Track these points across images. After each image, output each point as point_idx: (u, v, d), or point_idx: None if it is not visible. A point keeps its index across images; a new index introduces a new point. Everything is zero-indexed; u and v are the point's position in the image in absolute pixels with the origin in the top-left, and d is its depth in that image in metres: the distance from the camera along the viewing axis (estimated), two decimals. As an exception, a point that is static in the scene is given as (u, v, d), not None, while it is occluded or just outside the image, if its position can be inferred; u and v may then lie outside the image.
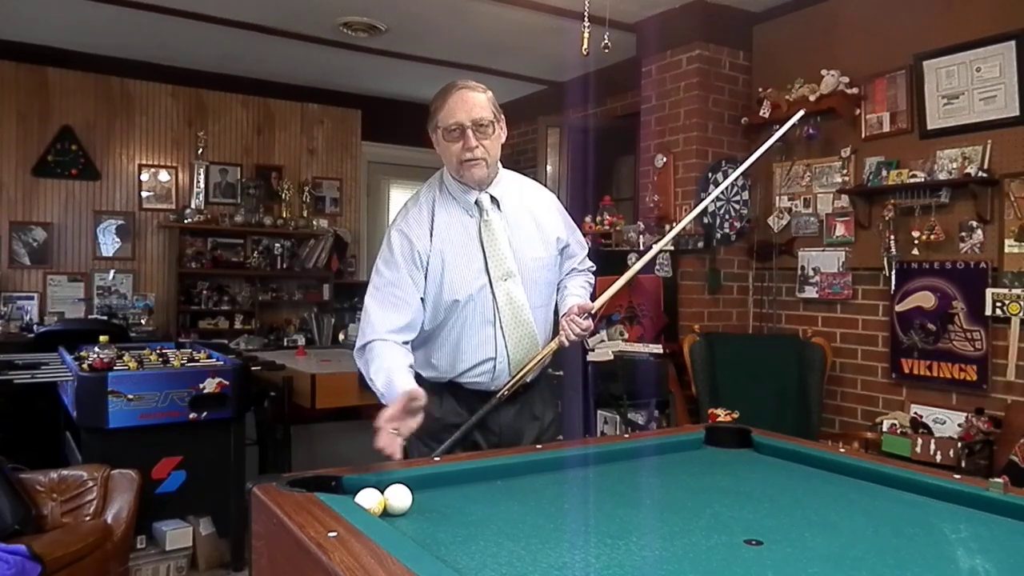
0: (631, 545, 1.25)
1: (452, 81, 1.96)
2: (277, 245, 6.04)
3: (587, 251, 2.27)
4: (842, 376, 4.03)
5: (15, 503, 2.70)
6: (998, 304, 3.33)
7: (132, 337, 4.81)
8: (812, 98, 3.95)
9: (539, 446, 1.87)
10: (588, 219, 4.59)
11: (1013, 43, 3.27)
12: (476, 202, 1.99)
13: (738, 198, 4.40)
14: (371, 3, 4.46)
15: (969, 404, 3.43)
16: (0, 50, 5.19)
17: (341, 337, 5.86)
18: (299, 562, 1.16)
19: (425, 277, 1.95)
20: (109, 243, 5.63)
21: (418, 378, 2.07)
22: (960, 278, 3.47)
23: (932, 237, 3.52)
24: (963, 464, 3.18)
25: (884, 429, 3.58)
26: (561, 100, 5.90)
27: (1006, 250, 3.34)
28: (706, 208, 4.29)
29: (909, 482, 1.61)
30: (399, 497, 1.37)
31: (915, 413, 3.60)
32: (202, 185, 5.82)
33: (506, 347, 1.99)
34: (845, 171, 3.98)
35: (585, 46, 3.16)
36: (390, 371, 1.81)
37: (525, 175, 2.27)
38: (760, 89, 4.35)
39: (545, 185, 2.29)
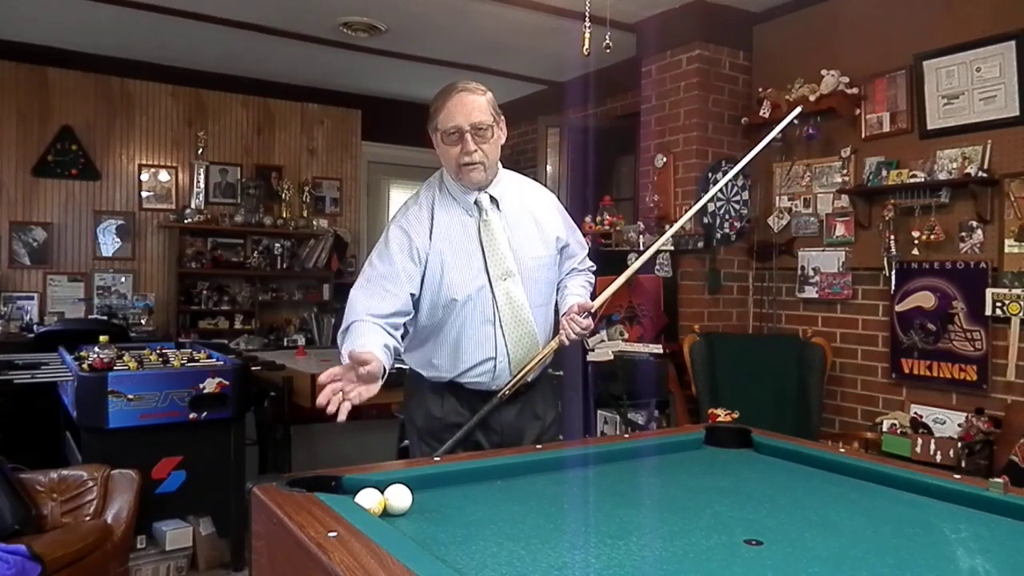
0: (631, 545, 1.25)
1: (452, 83, 1.96)
2: (277, 245, 6.04)
3: (587, 251, 2.28)
4: (842, 376, 4.03)
5: (15, 503, 2.70)
6: (998, 304, 3.33)
7: (132, 337, 4.81)
8: (812, 98, 3.95)
9: (539, 446, 1.87)
10: (588, 219, 4.59)
11: (1013, 43, 3.27)
12: (475, 202, 1.99)
13: (738, 198, 4.40)
14: (371, 3, 4.46)
15: (969, 404, 3.43)
16: (0, 50, 5.19)
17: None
18: (299, 562, 1.16)
19: (423, 275, 1.95)
20: (109, 243, 5.63)
21: (419, 378, 2.08)
22: (960, 278, 3.47)
23: (932, 237, 3.52)
24: (963, 464, 3.18)
25: (884, 429, 3.58)
26: (561, 100, 5.90)
27: (1006, 250, 3.34)
28: (706, 208, 4.30)
29: (909, 482, 1.61)
30: (399, 497, 1.37)
31: (915, 413, 3.60)
32: (202, 185, 5.82)
33: (506, 346, 1.99)
34: (845, 171, 3.98)
35: (586, 46, 3.16)
36: (355, 342, 1.78)
37: (525, 175, 2.27)
38: (760, 89, 4.35)
39: (545, 185, 2.30)
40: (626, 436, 2.12)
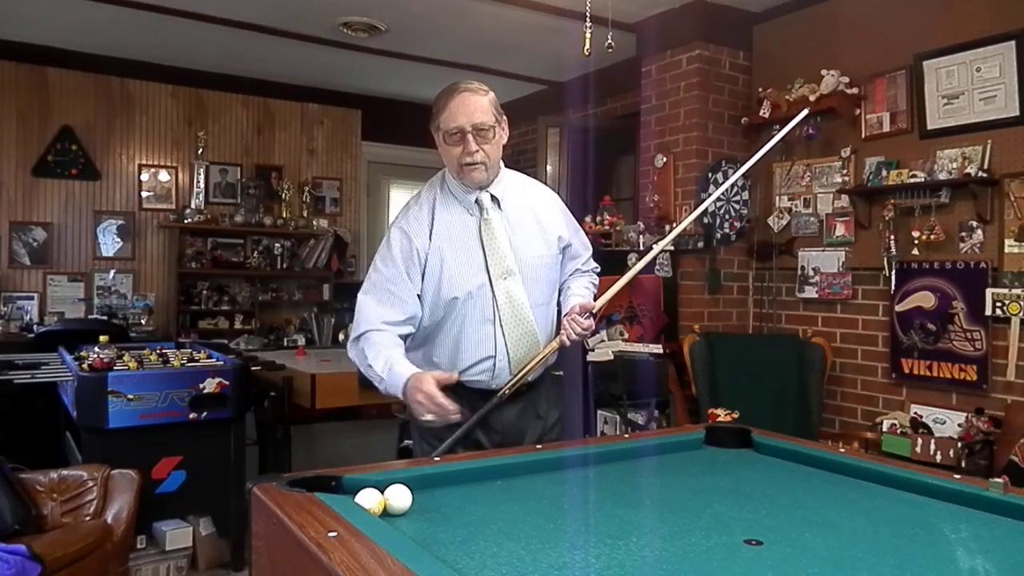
0: (631, 545, 1.25)
1: (454, 82, 1.96)
2: (277, 245, 6.04)
3: (591, 252, 2.28)
4: (842, 376, 4.03)
5: (15, 503, 2.70)
6: (998, 304, 3.33)
7: (132, 337, 4.81)
8: (812, 98, 3.95)
9: (539, 446, 1.87)
10: (588, 219, 4.59)
11: (1013, 43, 3.27)
12: (476, 201, 2.00)
13: (738, 198, 4.40)
14: (371, 3, 4.46)
15: (969, 404, 3.43)
16: (0, 50, 5.19)
17: (341, 337, 5.86)
18: (299, 562, 1.16)
19: (423, 274, 1.97)
20: (109, 243, 5.63)
21: None
22: (960, 278, 3.47)
23: (932, 237, 3.52)
24: (963, 464, 3.18)
25: (884, 429, 3.58)
26: (561, 100, 5.90)
27: (1006, 250, 3.34)
28: (706, 208, 4.30)
29: (909, 482, 1.61)
30: (399, 497, 1.37)
31: (915, 413, 3.60)
32: (202, 185, 5.82)
33: (506, 345, 1.99)
34: (845, 171, 3.98)
35: (586, 46, 3.16)
36: (389, 357, 1.87)
37: (526, 175, 2.27)
38: (760, 89, 4.35)
39: (545, 185, 2.30)
40: (626, 436, 2.12)
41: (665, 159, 4.46)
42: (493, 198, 2.02)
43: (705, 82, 4.35)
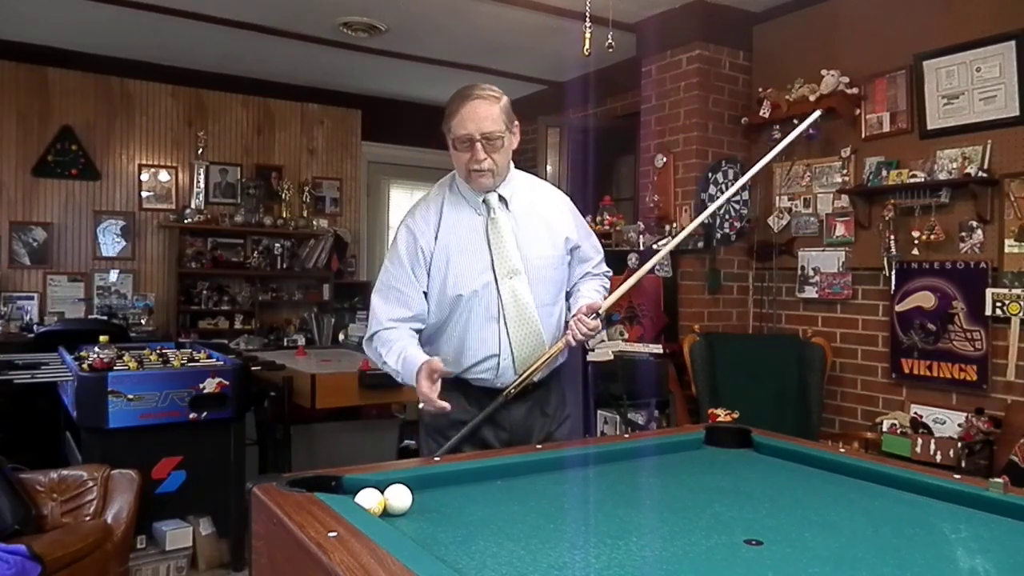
0: (631, 545, 1.25)
1: (468, 86, 1.98)
2: (277, 245, 6.04)
3: (603, 256, 2.28)
4: (842, 376, 4.03)
5: (15, 503, 2.70)
6: (998, 304, 3.33)
7: (132, 337, 4.81)
8: (812, 98, 3.95)
9: (539, 446, 1.87)
10: (588, 219, 4.58)
11: (1013, 43, 3.27)
12: (484, 201, 2.02)
13: (738, 198, 4.40)
14: (371, 3, 4.46)
15: (969, 404, 3.43)
16: (0, 50, 5.19)
17: (341, 337, 5.86)
18: (299, 562, 1.16)
19: (429, 272, 2.01)
20: (109, 243, 5.63)
21: None
22: (960, 278, 3.47)
23: (932, 237, 3.52)
24: (963, 464, 3.19)
25: (884, 429, 3.58)
26: (561, 100, 5.90)
27: (1006, 250, 3.34)
28: (706, 208, 4.30)
29: (909, 482, 1.61)
30: (399, 497, 1.37)
31: (915, 413, 3.60)
32: (202, 185, 5.82)
33: (510, 344, 2.00)
34: (845, 171, 3.98)
35: (586, 46, 3.16)
36: (403, 350, 1.94)
37: (535, 176, 2.28)
38: (760, 89, 4.35)
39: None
40: (626, 436, 2.12)
41: (665, 159, 4.46)
42: (501, 198, 2.04)
43: (705, 82, 4.35)
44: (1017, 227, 3.30)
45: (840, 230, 4.02)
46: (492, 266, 1.99)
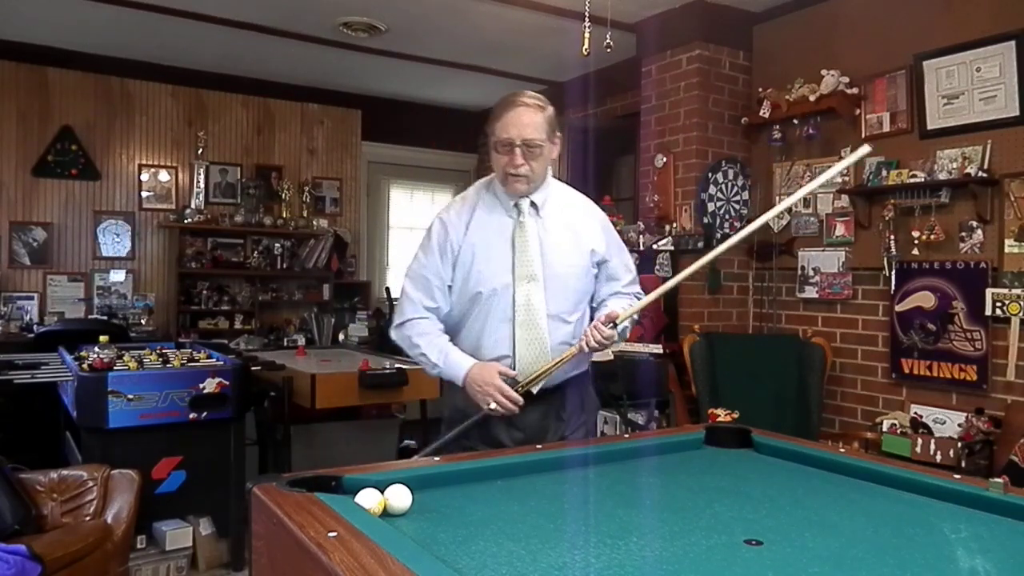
0: (631, 545, 1.25)
1: (516, 93, 2.05)
2: (277, 245, 6.04)
3: (635, 276, 2.27)
4: (842, 376, 4.03)
5: (15, 503, 2.69)
6: (998, 304, 3.33)
7: (132, 337, 4.81)
8: (812, 98, 3.95)
9: (539, 446, 1.87)
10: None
11: (1013, 43, 3.27)
12: (516, 205, 2.08)
13: (738, 198, 4.40)
14: (371, 3, 4.46)
15: (969, 404, 3.43)
16: (0, 50, 5.19)
17: (341, 337, 5.87)
18: (299, 562, 1.16)
19: (454, 266, 2.08)
20: (109, 243, 5.63)
21: None
22: (960, 278, 3.47)
23: (932, 237, 3.52)
24: (963, 464, 3.19)
25: (884, 429, 3.58)
26: (561, 100, 5.89)
27: (1006, 250, 3.34)
28: (706, 208, 4.31)
29: (909, 482, 1.61)
30: (399, 497, 1.37)
31: (915, 413, 3.60)
32: (202, 185, 5.82)
33: (515, 347, 2.04)
34: (845, 171, 3.98)
35: (586, 46, 3.16)
36: (443, 347, 2.05)
37: (575, 189, 2.31)
38: (760, 89, 4.36)
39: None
40: (626, 436, 2.12)
41: (665, 159, 4.46)
42: (532, 204, 2.09)
43: (705, 82, 4.35)
44: (1017, 227, 3.30)
45: (840, 230, 4.02)
46: (513, 268, 2.04)
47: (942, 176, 3.49)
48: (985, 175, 3.34)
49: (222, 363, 3.54)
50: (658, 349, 4.09)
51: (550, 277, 2.05)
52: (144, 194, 5.75)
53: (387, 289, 6.44)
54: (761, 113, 4.22)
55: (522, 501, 1.50)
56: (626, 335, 2.17)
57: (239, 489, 3.29)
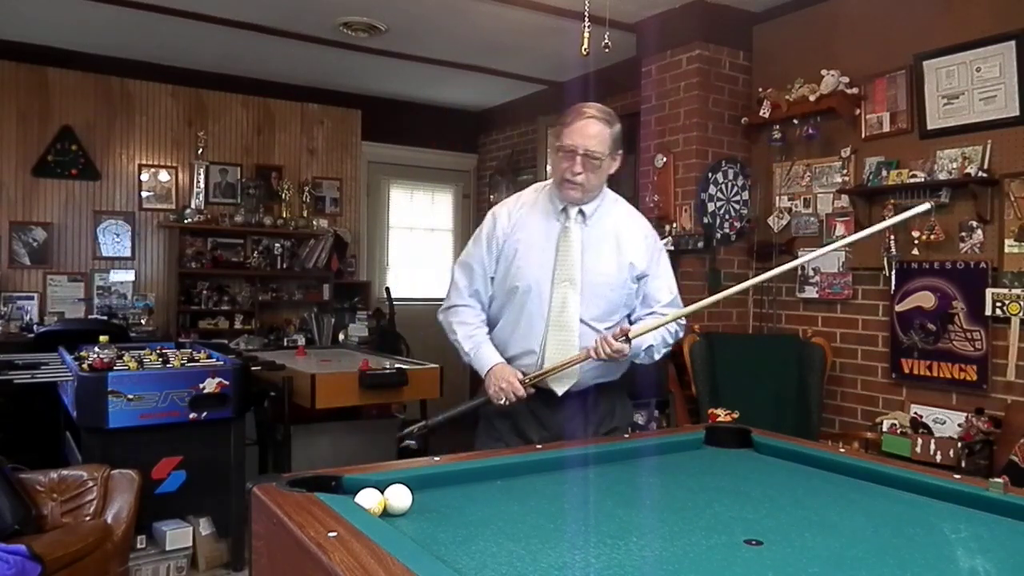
0: (631, 545, 1.25)
1: (588, 104, 2.13)
2: (277, 245, 6.04)
3: (676, 298, 2.27)
4: (842, 376, 4.03)
5: (15, 503, 2.70)
6: (998, 304, 3.33)
7: (132, 337, 4.80)
8: (812, 98, 3.95)
9: (539, 446, 1.88)
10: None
11: (1013, 43, 3.27)
12: (564, 210, 2.16)
13: (738, 198, 4.40)
14: (371, 3, 4.46)
15: (969, 404, 3.43)
16: (0, 50, 5.19)
17: (341, 337, 5.86)
18: (299, 562, 1.16)
19: (498, 258, 2.19)
20: (109, 243, 5.63)
21: None
22: (960, 278, 3.47)
23: (932, 237, 3.52)
24: (963, 464, 3.19)
25: (884, 429, 3.58)
26: (561, 100, 5.89)
27: (1006, 250, 3.34)
28: (706, 208, 4.30)
29: (909, 482, 1.61)
30: (399, 497, 1.37)
31: (915, 413, 3.60)
32: (202, 185, 5.81)
33: (545, 345, 2.11)
34: (845, 171, 3.98)
35: (585, 46, 3.16)
36: (477, 342, 2.18)
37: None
38: (760, 89, 4.35)
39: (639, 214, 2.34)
40: (626, 436, 2.12)
41: (665, 159, 4.46)
42: (581, 212, 2.16)
43: (705, 82, 4.35)
44: (1017, 227, 3.30)
45: (840, 230, 4.02)
46: (553, 270, 2.12)
47: (942, 176, 3.49)
48: (985, 175, 3.34)
49: (222, 363, 3.54)
50: (658, 349, 4.08)
51: (587, 284, 2.11)
52: (144, 194, 5.75)
53: (387, 289, 6.45)
54: (761, 113, 4.22)
55: (522, 501, 1.50)
56: (653, 354, 2.20)
57: (239, 489, 3.30)
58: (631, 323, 2.21)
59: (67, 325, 4.83)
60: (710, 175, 4.32)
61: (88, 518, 2.86)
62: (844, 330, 4.02)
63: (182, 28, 4.82)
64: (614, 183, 2.31)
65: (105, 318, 5.30)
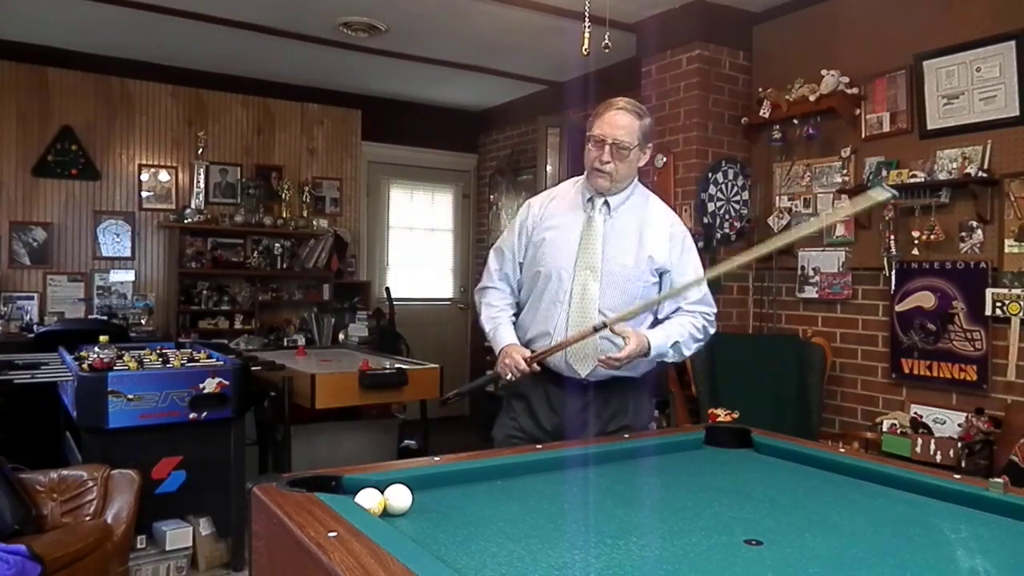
0: (631, 545, 1.25)
1: (620, 98, 2.22)
2: (277, 245, 6.04)
3: (705, 296, 2.31)
4: (842, 376, 4.03)
5: (15, 503, 2.70)
6: (998, 304, 3.33)
7: (132, 337, 4.80)
8: (812, 98, 3.95)
9: (539, 446, 1.88)
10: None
11: (1013, 43, 3.27)
12: (590, 200, 2.25)
13: (738, 198, 4.40)
14: (371, 3, 4.46)
15: (969, 404, 3.43)
16: (0, 50, 5.19)
17: (341, 337, 5.86)
18: (299, 562, 1.16)
19: (527, 246, 2.31)
20: (109, 243, 5.63)
21: None
22: (960, 278, 3.47)
23: (932, 237, 3.52)
24: (963, 464, 3.19)
25: (884, 429, 3.58)
26: (561, 100, 5.90)
27: (1006, 250, 3.34)
28: (706, 208, 4.31)
29: (909, 482, 1.61)
30: (399, 497, 1.37)
31: (915, 413, 3.60)
32: (202, 185, 5.81)
33: (563, 328, 2.18)
34: (845, 171, 3.98)
35: (585, 46, 3.16)
36: (498, 323, 2.30)
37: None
38: (760, 89, 4.36)
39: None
40: (626, 436, 2.12)
41: (665, 159, 4.46)
42: (606, 203, 2.24)
43: (705, 82, 4.35)
44: (1017, 227, 3.30)
45: (840, 230, 4.02)
46: (575, 258, 2.21)
47: (942, 176, 3.49)
48: (985, 175, 3.34)
49: (222, 363, 3.54)
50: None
51: (606, 273, 2.19)
52: (144, 194, 5.75)
53: (387, 289, 6.45)
54: (761, 113, 4.22)
55: (522, 501, 1.50)
56: (682, 350, 2.23)
57: (239, 489, 3.30)
58: (658, 321, 2.27)
59: (67, 325, 4.83)
60: (710, 175, 4.32)
61: (88, 518, 2.86)
62: (844, 330, 4.02)
63: (182, 28, 4.82)
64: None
65: (105, 318, 5.30)
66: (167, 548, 3.20)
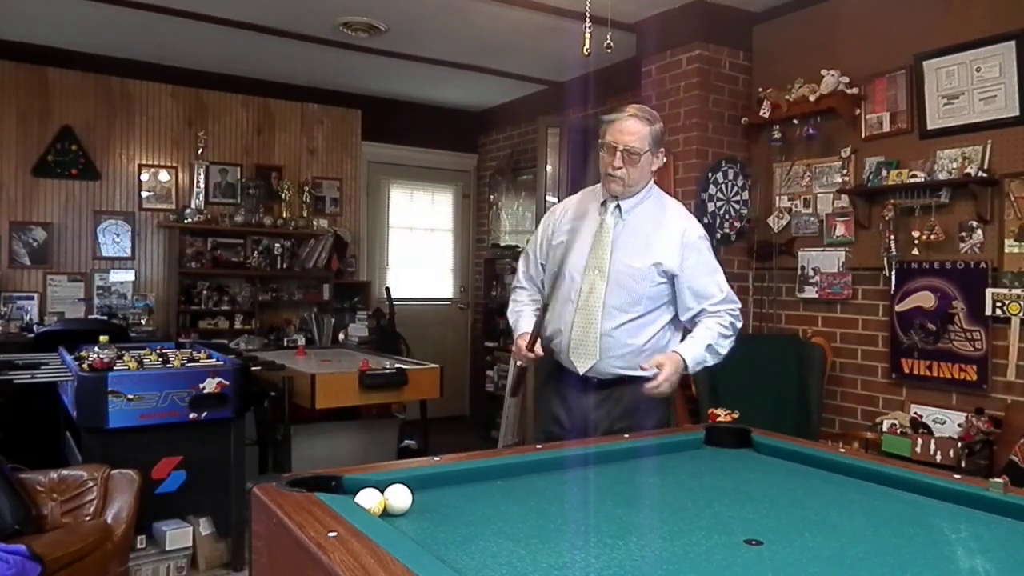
0: (631, 545, 1.25)
1: (631, 104, 2.34)
2: (277, 245, 6.03)
3: (726, 296, 2.36)
4: (842, 376, 4.03)
5: (15, 503, 2.70)
6: (998, 304, 3.33)
7: (132, 337, 4.80)
8: (812, 98, 3.95)
9: (539, 446, 1.88)
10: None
11: (1013, 43, 3.27)
12: (604, 204, 2.35)
13: (738, 198, 4.40)
14: (371, 3, 4.46)
15: (969, 404, 3.43)
16: (0, 50, 5.19)
17: (341, 337, 5.87)
18: (299, 562, 1.16)
19: (548, 249, 2.45)
20: (109, 243, 5.63)
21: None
22: (960, 278, 3.47)
23: (932, 237, 3.52)
24: (963, 464, 3.19)
25: (884, 429, 3.58)
26: (561, 100, 5.89)
27: (1006, 250, 3.34)
28: (706, 208, 4.31)
29: (909, 482, 1.61)
30: (399, 497, 1.37)
31: (915, 413, 3.60)
32: (202, 185, 5.81)
33: (570, 326, 2.29)
34: (845, 171, 3.98)
35: (586, 46, 3.15)
36: (519, 315, 2.48)
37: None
38: (760, 89, 4.35)
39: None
40: (626, 436, 2.12)
41: (665, 159, 4.45)
42: (618, 207, 2.33)
43: (705, 82, 4.35)
44: (1017, 227, 3.30)
45: (840, 230, 4.02)
46: (588, 258, 2.31)
47: (942, 176, 3.49)
48: (985, 175, 3.34)
49: (222, 363, 3.54)
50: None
51: (613, 273, 2.28)
52: (144, 194, 5.75)
53: (387, 289, 6.45)
54: (761, 113, 4.22)
55: (522, 501, 1.50)
56: (717, 350, 2.33)
57: (239, 489, 3.30)
58: (687, 331, 2.38)
59: (67, 325, 4.83)
60: (710, 175, 4.32)
61: (88, 518, 2.86)
62: (844, 330, 4.02)
63: (182, 28, 4.82)
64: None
65: (105, 318, 5.30)
66: (167, 548, 3.20)
